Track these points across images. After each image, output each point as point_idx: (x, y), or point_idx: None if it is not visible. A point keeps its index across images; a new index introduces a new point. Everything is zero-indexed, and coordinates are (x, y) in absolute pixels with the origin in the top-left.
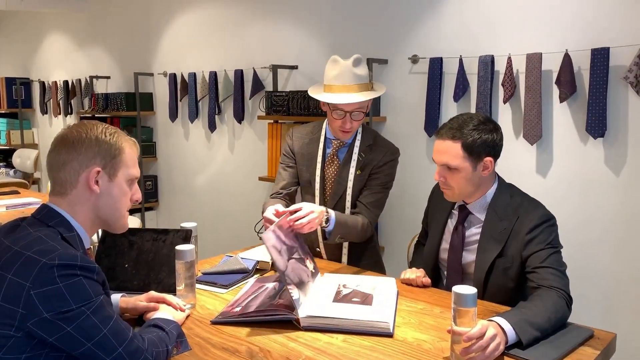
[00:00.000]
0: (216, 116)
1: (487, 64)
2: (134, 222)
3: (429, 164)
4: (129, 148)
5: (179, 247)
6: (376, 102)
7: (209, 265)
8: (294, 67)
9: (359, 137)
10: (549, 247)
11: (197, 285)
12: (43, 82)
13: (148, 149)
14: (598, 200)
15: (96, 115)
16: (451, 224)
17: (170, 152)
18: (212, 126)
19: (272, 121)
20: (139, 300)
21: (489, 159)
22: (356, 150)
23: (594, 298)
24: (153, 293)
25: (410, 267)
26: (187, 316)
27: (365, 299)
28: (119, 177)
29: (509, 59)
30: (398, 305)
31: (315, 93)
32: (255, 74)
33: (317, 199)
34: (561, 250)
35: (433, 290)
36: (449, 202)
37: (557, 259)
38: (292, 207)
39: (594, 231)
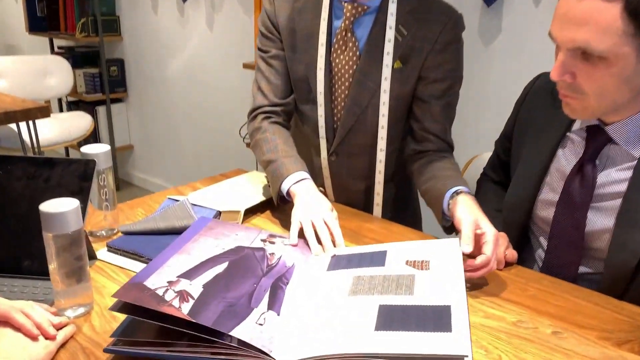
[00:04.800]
0: None
1: None
2: None
3: None
4: None
5: (44, 207)
6: None
7: (143, 214)
8: None
9: None
10: None
11: (108, 258)
12: None
13: (110, 25)
14: None
15: None
16: (564, 157)
17: (137, 29)
18: None
19: None
20: None
21: None
22: (391, 22)
23: None
24: None
25: None
26: (66, 341)
27: (415, 314)
28: None
29: None
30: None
31: None
32: None
33: (321, 110)
34: None
35: (518, 271)
36: (564, 116)
37: None
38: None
39: None
